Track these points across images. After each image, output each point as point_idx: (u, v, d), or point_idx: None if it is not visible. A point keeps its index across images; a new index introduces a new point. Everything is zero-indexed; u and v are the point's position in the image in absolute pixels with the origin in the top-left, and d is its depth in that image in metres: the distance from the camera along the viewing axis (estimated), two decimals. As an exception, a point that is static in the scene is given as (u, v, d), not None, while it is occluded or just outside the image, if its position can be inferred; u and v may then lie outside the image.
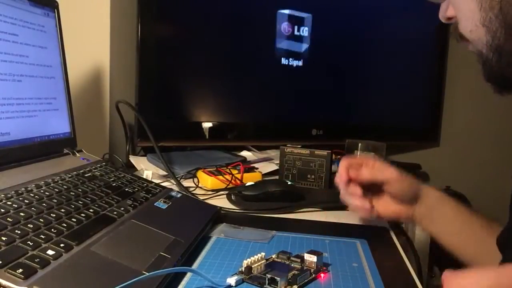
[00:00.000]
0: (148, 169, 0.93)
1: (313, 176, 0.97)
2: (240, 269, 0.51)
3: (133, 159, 1.02)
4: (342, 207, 0.83)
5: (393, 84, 1.40)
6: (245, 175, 0.94)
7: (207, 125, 1.15)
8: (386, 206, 0.71)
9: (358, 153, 0.98)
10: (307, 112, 1.30)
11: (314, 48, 1.26)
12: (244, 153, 1.17)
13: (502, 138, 1.45)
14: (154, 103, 1.09)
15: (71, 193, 0.61)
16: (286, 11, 1.21)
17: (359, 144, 1.00)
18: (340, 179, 0.68)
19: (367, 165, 0.69)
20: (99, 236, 0.52)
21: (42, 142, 0.74)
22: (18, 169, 0.66)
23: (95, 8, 1.05)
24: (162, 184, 0.82)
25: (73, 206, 0.57)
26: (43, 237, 0.47)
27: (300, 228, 0.70)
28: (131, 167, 0.98)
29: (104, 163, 0.80)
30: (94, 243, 0.50)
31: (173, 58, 1.10)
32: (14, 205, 0.52)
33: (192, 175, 0.93)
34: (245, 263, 0.51)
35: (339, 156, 0.74)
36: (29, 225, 0.48)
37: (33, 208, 0.53)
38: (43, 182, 0.62)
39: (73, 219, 0.53)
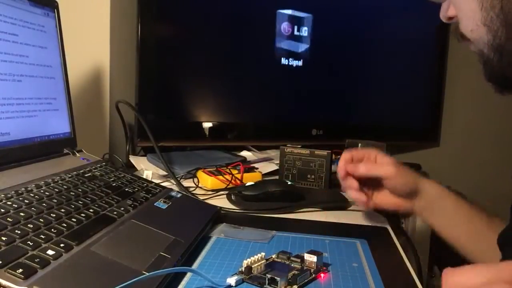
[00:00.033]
0: (148, 169, 0.93)
1: (313, 176, 0.97)
2: (240, 269, 0.51)
3: (133, 159, 1.02)
4: (342, 207, 0.84)
5: (393, 84, 1.40)
6: (245, 175, 0.94)
7: (207, 125, 1.15)
8: (385, 199, 0.73)
9: (359, 145, 0.98)
10: (307, 112, 1.30)
11: (314, 48, 1.26)
12: (244, 153, 1.17)
13: (502, 138, 1.45)
14: (154, 103, 1.09)
15: (71, 193, 0.61)
16: (286, 11, 1.21)
17: (359, 144, 1.00)
18: (338, 172, 0.72)
19: (368, 158, 0.72)
20: (99, 236, 0.52)
21: (42, 142, 0.74)
22: (18, 169, 0.66)
23: (95, 8, 1.05)
24: (162, 184, 0.82)
25: (73, 206, 0.57)
26: (43, 237, 0.47)
27: (300, 228, 0.70)
28: (131, 167, 0.98)
29: (104, 163, 0.80)
30: (94, 243, 0.50)
31: (173, 58, 1.10)
32: (14, 205, 0.52)
33: (192, 175, 0.93)
34: (245, 263, 0.51)
35: (339, 156, 0.74)
36: (29, 225, 0.48)
37: (33, 208, 0.53)
38: (43, 182, 0.62)
39: (73, 219, 0.53)
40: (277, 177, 1.00)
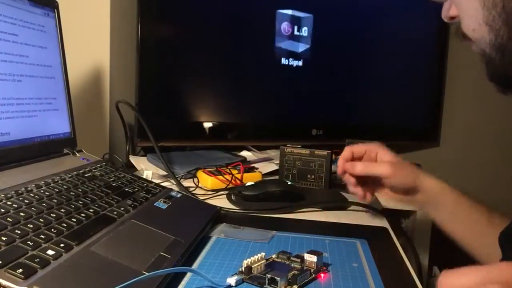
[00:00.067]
0: (148, 169, 0.93)
1: (313, 176, 0.97)
2: (240, 269, 0.51)
3: (133, 159, 1.02)
4: (342, 207, 0.84)
5: (393, 84, 1.40)
6: (245, 175, 0.94)
7: (207, 125, 1.15)
8: (386, 193, 0.75)
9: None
10: (307, 112, 1.30)
11: (314, 48, 1.26)
12: (244, 153, 1.17)
13: (502, 138, 1.45)
14: (154, 103, 1.09)
15: (71, 193, 0.61)
16: (286, 11, 1.21)
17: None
18: (337, 168, 0.74)
19: (368, 155, 0.74)
20: (99, 236, 0.52)
21: (42, 142, 0.74)
22: (18, 169, 0.66)
23: (95, 8, 1.05)
24: (162, 184, 0.82)
25: (73, 206, 0.57)
26: (43, 237, 0.47)
27: (300, 228, 0.70)
28: (131, 167, 0.98)
29: (104, 163, 0.80)
30: (94, 243, 0.50)
31: (173, 58, 1.10)
32: (14, 205, 0.52)
33: (192, 175, 0.93)
34: (245, 263, 0.51)
35: (338, 156, 0.74)
36: (29, 225, 0.48)
37: (33, 208, 0.53)
38: (43, 182, 0.62)
39: (73, 219, 0.53)
40: (277, 177, 1.00)
